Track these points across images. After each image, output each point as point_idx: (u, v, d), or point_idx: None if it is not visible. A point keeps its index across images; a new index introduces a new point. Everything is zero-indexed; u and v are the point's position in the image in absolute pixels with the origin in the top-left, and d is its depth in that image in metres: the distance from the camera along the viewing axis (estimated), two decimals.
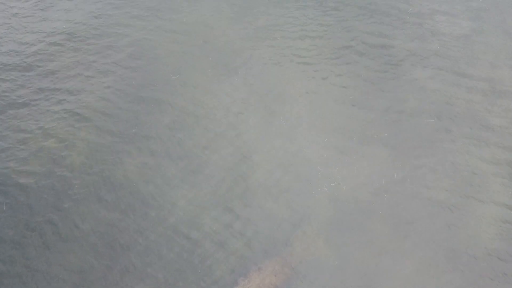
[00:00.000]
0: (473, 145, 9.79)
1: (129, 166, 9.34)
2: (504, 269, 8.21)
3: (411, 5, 12.11)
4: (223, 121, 10.11)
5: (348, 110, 10.35)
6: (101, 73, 10.90)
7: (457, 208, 9.03)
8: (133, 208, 8.82)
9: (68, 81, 10.86)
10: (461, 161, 9.59)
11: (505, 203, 9.00)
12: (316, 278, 8.14)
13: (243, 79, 10.84)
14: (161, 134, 9.88)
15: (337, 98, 10.57)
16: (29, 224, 8.62)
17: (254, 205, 8.93)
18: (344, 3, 12.21)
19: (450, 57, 11.22)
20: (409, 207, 9.07)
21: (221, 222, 8.67)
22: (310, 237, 8.51)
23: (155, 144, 9.67)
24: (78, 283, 7.93)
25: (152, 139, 9.73)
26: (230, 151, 9.66)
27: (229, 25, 11.81)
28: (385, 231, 8.78)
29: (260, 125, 10.12)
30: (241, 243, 8.42)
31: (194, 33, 11.74)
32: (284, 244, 8.36)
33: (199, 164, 9.46)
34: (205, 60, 11.19)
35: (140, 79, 10.79)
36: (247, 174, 9.33)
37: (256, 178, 9.31)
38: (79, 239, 8.42)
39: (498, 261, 8.32)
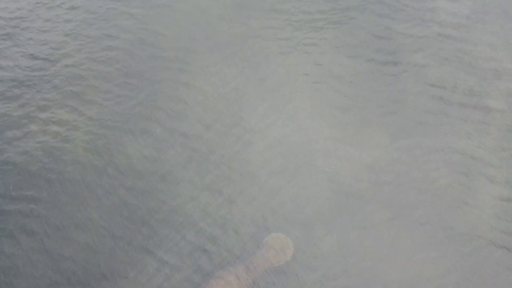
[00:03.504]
0: (473, 128, 9.72)
1: (131, 149, 9.32)
2: (504, 258, 8.14)
3: None
4: (221, 104, 10.03)
5: (348, 95, 10.23)
6: (99, 60, 10.85)
7: (457, 190, 8.98)
8: (135, 191, 8.80)
9: (68, 67, 10.89)
10: (461, 144, 9.53)
11: (505, 187, 8.94)
12: (305, 267, 8.16)
13: (242, 63, 10.84)
14: (160, 118, 9.77)
15: (336, 83, 10.41)
16: (33, 207, 8.58)
17: (246, 193, 8.88)
18: None
19: (450, 41, 11.07)
20: (409, 189, 9.01)
21: (206, 213, 8.60)
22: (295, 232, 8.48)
23: (155, 127, 9.61)
24: (86, 262, 7.92)
25: (152, 122, 9.68)
26: (228, 135, 9.58)
27: (230, 11, 11.80)
28: (385, 213, 8.74)
29: (259, 108, 10.01)
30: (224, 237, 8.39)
31: (194, 20, 11.73)
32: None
33: (196, 148, 9.42)
34: (205, 46, 11.19)
35: (138, 63, 10.68)
36: (243, 158, 9.27)
37: (253, 162, 9.23)
38: (86, 221, 8.39)
39: (497, 248, 8.28)
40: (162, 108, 10.02)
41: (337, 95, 10.31)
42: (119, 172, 9.08)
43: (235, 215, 8.63)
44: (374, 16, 11.54)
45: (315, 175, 9.18)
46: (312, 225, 8.59)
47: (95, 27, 11.51)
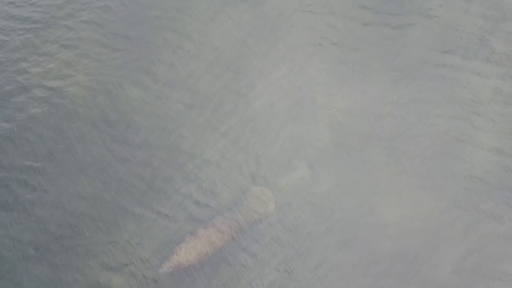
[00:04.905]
0: (476, 74, 9.55)
1: (130, 92, 9.42)
2: (490, 208, 8.28)
3: None
4: (224, 47, 9.96)
5: (351, 38, 10.01)
6: (92, 23, 10.76)
7: (456, 137, 8.98)
8: (128, 145, 8.91)
9: (61, 30, 10.84)
10: (464, 90, 9.41)
11: (497, 141, 8.92)
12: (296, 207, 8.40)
13: (248, 6, 10.50)
14: (161, 59, 9.79)
15: (339, 27, 10.16)
16: (32, 156, 8.81)
17: (247, 138, 9.00)
18: None
19: None
20: (408, 134, 9.03)
21: (198, 165, 8.73)
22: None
23: (155, 69, 9.67)
24: (85, 215, 8.18)
25: (152, 64, 9.72)
26: (230, 79, 9.61)
27: None
28: (383, 155, 8.85)
29: (262, 52, 9.91)
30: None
31: None
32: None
33: (188, 102, 9.39)
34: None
35: (138, 6, 10.63)
36: (246, 104, 9.34)
37: (255, 107, 9.32)
38: (84, 169, 8.62)
39: (485, 199, 8.36)
40: (161, 51, 9.95)
41: (339, 41, 10.10)
42: (109, 125, 9.14)
43: (230, 163, 8.76)
44: None
45: (317, 116, 9.23)
46: (312, 165, 8.75)
47: None
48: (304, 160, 8.81)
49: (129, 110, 9.35)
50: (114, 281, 7.74)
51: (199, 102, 9.37)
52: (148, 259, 7.87)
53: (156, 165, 8.71)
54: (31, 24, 10.45)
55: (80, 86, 9.66)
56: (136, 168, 8.67)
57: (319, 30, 10.19)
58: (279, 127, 9.12)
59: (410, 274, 7.84)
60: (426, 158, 8.82)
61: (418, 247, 8.03)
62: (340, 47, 9.99)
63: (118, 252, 7.92)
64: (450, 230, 8.14)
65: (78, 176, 8.65)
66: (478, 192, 8.45)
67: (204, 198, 8.41)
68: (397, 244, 8.05)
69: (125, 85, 9.60)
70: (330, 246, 8.04)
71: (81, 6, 10.58)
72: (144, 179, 8.55)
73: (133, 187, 8.48)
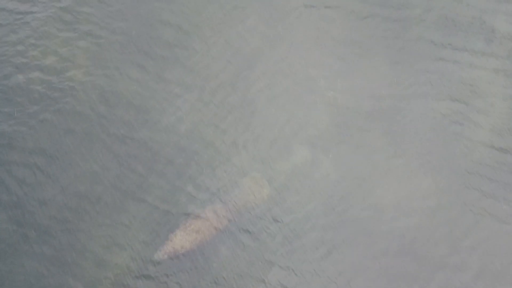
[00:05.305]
0: (476, 66, 9.58)
1: (127, 86, 9.47)
2: (490, 205, 8.25)
3: None
4: (224, 42, 10.02)
5: (350, 31, 10.07)
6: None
7: (456, 121, 9.06)
8: (121, 138, 8.98)
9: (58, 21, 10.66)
10: (464, 82, 9.45)
11: (491, 134, 8.94)
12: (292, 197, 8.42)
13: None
14: (161, 55, 9.85)
15: (339, 20, 10.21)
16: (34, 140, 8.89)
17: (244, 124, 9.07)
18: None
19: None
20: (408, 118, 9.14)
21: (190, 156, 8.78)
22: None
23: (154, 64, 9.73)
24: (79, 210, 8.24)
25: (151, 59, 9.78)
26: (229, 72, 9.66)
27: None
28: (382, 140, 8.94)
29: (260, 35, 10.01)
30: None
31: None
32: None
33: (197, 84, 9.51)
34: None
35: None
36: (244, 93, 9.41)
37: (254, 96, 9.39)
38: (82, 162, 8.68)
39: (487, 193, 8.35)
40: (158, 39, 10.04)
41: (338, 23, 10.20)
42: (106, 120, 9.20)
43: (228, 150, 8.82)
44: None
45: (316, 111, 9.29)
46: (311, 151, 8.85)
47: None
48: (302, 147, 8.88)
49: (127, 104, 9.39)
50: (114, 264, 7.87)
51: (198, 94, 9.41)
52: (146, 244, 7.98)
53: (155, 150, 8.78)
54: (29, 19, 10.55)
55: (78, 80, 9.71)
56: (136, 153, 8.74)
57: (319, 23, 10.22)
58: (278, 117, 9.18)
59: (410, 272, 7.82)
60: (425, 141, 8.91)
61: (417, 244, 8.02)
62: (339, 40, 10.01)
63: (117, 236, 8.04)
64: (450, 227, 8.12)
65: (79, 160, 8.71)
66: (479, 188, 8.44)
67: (200, 186, 8.45)
68: (397, 241, 8.02)
69: (123, 78, 9.66)
70: (328, 233, 8.08)
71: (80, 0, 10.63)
72: (143, 164, 8.63)
73: (133, 173, 8.55)
